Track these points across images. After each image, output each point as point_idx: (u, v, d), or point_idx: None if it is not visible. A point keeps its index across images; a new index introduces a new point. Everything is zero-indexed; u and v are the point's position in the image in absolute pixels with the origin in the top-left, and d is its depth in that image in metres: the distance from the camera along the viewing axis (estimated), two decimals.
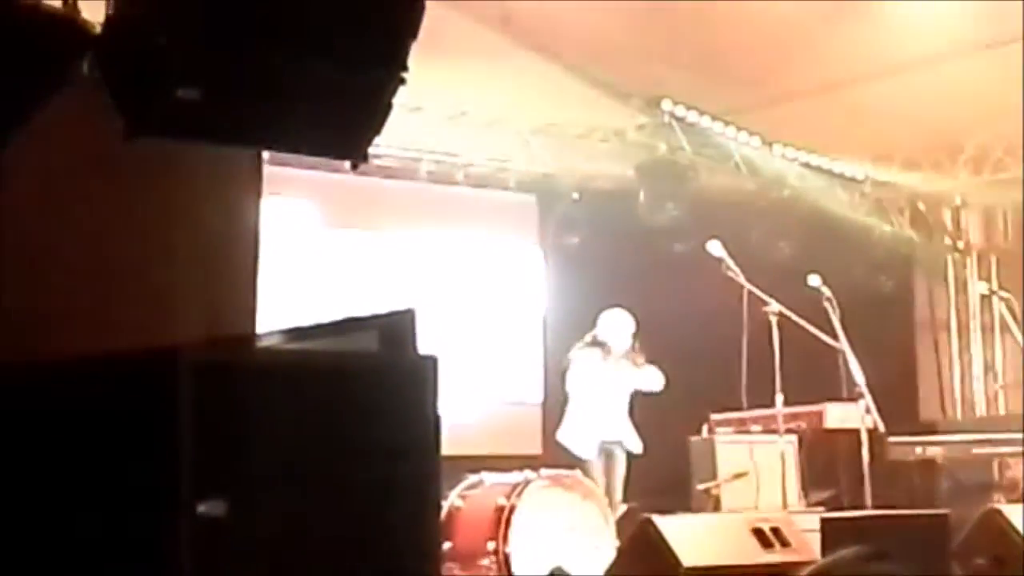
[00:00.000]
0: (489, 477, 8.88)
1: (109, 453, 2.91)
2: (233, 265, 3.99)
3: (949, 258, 13.87)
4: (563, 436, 9.88)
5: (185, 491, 2.76)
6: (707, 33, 9.88)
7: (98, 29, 3.71)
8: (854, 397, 9.19)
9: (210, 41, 3.65)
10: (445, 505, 8.64)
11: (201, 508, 2.76)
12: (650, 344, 10.12)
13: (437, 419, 3.14)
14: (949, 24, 9.64)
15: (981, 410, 13.77)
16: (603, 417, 9.82)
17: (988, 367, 13.85)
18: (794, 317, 9.33)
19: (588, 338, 9.96)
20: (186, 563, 2.76)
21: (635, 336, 9.91)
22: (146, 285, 3.78)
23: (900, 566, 2.64)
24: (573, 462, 9.45)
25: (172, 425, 2.79)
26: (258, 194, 4.09)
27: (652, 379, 9.96)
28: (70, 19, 3.73)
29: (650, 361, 9.98)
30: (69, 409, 2.99)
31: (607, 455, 9.75)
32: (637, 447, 9.81)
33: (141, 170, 3.77)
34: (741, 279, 9.34)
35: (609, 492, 9.42)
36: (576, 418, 9.89)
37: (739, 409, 9.61)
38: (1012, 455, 11.08)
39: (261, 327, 4.06)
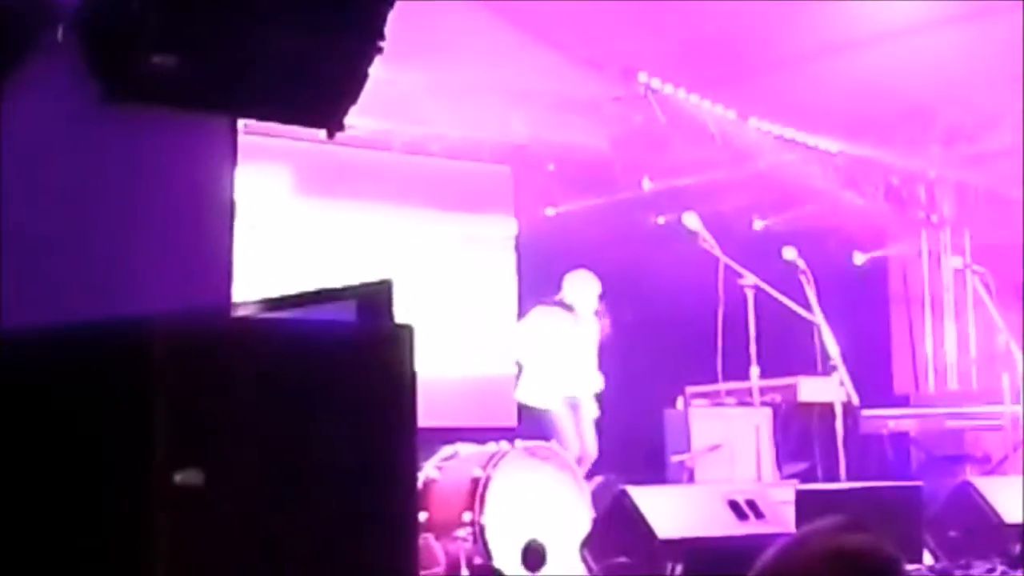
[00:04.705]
0: (464, 448, 8.86)
1: (84, 423, 2.89)
2: (208, 233, 3.97)
3: (923, 232, 13.90)
4: (522, 394, 9.97)
5: (160, 461, 2.75)
6: (683, 6, 9.85)
7: None
8: (828, 370, 9.20)
9: (185, 8, 3.62)
10: (420, 476, 8.63)
11: (177, 478, 2.75)
12: (626, 316, 10.12)
13: (414, 388, 3.13)
14: None
15: (954, 383, 13.82)
16: (568, 374, 9.93)
17: (961, 341, 13.89)
18: (769, 290, 9.35)
19: (554, 300, 10.03)
20: (162, 532, 2.74)
21: (600, 298, 9.98)
22: (120, 254, 3.75)
23: (876, 537, 2.63)
24: (543, 430, 9.46)
25: (147, 395, 2.77)
26: (233, 162, 4.06)
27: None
28: None
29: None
30: (42, 380, 2.97)
31: (574, 407, 9.86)
32: (600, 386, 9.98)
33: (115, 137, 3.74)
34: (717, 251, 9.34)
35: (581, 438, 9.66)
36: (536, 375, 10.00)
37: (714, 381, 9.61)
38: (985, 428, 11.15)
39: (237, 296, 4.04)
